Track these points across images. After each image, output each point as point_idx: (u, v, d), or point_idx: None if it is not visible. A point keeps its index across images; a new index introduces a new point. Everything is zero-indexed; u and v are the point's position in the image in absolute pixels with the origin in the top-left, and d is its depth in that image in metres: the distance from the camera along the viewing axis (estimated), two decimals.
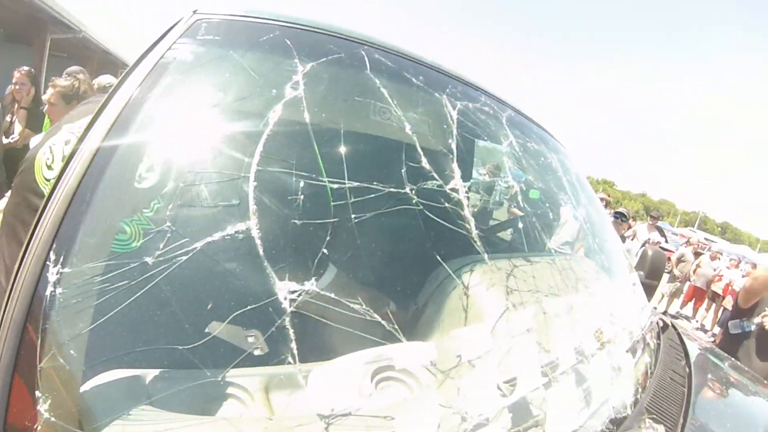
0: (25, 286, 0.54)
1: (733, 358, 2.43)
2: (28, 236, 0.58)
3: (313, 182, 0.75)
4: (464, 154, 1.03)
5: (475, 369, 0.70)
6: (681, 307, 10.26)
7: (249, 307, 0.62)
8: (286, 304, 0.62)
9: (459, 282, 0.81)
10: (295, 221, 0.70)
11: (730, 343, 2.91)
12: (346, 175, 0.78)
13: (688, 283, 9.96)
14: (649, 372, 1.19)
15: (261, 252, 0.64)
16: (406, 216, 0.82)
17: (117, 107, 0.68)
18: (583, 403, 0.84)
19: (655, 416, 0.99)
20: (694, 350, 1.67)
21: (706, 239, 29.05)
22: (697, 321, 9.67)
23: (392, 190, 0.81)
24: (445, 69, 1.24)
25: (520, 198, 1.08)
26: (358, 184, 0.78)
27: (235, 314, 0.61)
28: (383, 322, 0.65)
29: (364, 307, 0.66)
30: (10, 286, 0.55)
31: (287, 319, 0.61)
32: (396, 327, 0.66)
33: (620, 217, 5.30)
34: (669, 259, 11.32)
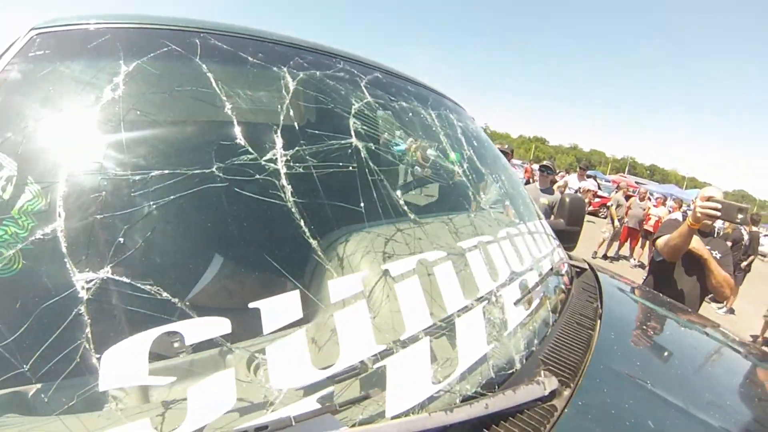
0: None
1: (654, 291, 2.47)
2: None
3: (118, 177, 0.74)
4: (301, 124, 0.98)
5: (284, 342, 0.66)
6: (619, 249, 10.80)
7: (47, 304, 0.62)
8: (83, 294, 0.63)
9: (265, 252, 0.81)
10: (97, 216, 0.70)
11: (659, 270, 2.99)
12: (152, 165, 0.77)
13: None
14: (551, 321, 1.14)
15: (64, 250, 0.65)
16: (210, 194, 0.80)
17: None
18: (449, 368, 0.78)
19: (552, 367, 0.94)
20: (611, 291, 1.66)
21: (636, 182, 30.97)
22: (634, 259, 10.21)
23: (195, 171, 0.79)
24: (297, 42, 1.21)
25: (364, 161, 1.02)
26: (160, 172, 0.76)
27: (38, 311, 0.61)
28: (174, 299, 0.65)
29: (155, 287, 0.66)
30: None
31: (83, 308, 0.62)
32: (187, 303, 0.65)
33: (546, 170, 5.39)
34: (607, 206, 11.88)
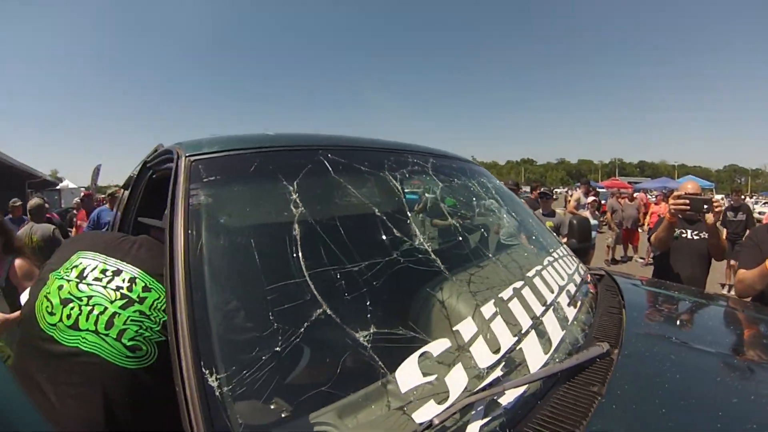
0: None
1: (657, 280, 2.96)
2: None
3: (339, 270, 1.09)
4: (415, 214, 1.42)
5: (470, 351, 1.09)
6: (625, 251, 11.17)
7: None
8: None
9: (437, 300, 1.21)
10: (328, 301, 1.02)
11: (659, 262, 3.56)
12: (361, 258, 1.13)
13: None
14: (592, 313, 1.62)
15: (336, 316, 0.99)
16: (401, 272, 1.18)
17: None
18: (548, 345, 1.25)
19: (601, 338, 1.40)
20: (627, 287, 2.11)
21: (630, 183, 30.70)
22: (643, 258, 10.51)
23: (387, 259, 1.18)
24: (381, 144, 1.59)
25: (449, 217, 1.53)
26: (369, 261, 1.14)
27: None
28: (411, 334, 1.04)
29: (395, 329, 1.02)
30: None
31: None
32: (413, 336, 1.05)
33: (545, 196, 5.95)
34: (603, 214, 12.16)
